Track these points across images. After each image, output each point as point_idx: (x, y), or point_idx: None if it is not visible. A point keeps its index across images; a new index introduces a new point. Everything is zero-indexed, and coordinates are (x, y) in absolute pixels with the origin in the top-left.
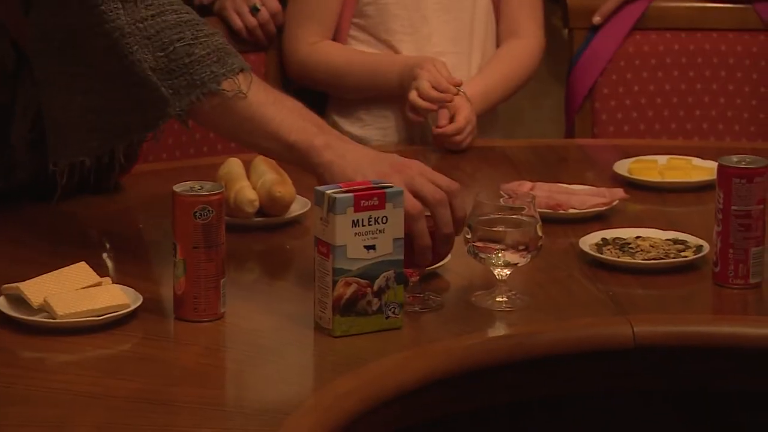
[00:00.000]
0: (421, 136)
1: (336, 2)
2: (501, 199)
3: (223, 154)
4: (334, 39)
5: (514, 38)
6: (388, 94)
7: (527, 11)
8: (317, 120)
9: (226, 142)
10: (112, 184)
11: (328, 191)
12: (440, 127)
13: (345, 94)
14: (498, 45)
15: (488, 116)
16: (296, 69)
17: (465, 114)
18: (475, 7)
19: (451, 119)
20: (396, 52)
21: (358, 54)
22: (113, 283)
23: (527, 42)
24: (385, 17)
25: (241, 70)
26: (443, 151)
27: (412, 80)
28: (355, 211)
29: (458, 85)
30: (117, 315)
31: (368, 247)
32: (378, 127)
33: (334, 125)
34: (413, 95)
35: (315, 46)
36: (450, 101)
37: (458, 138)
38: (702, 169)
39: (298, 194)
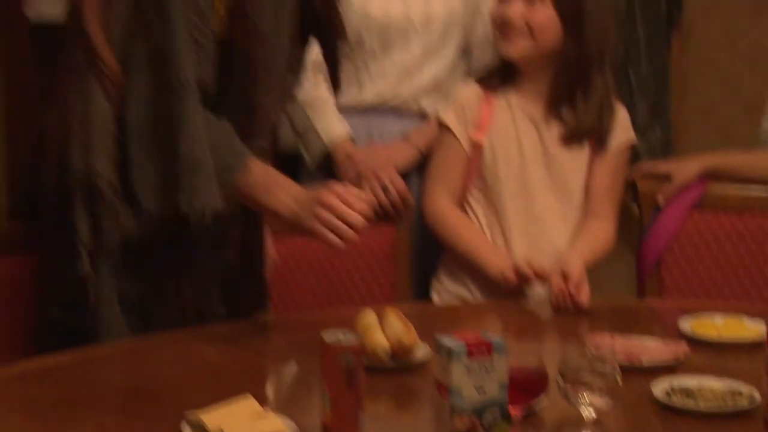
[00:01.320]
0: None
1: (461, 168)
2: (587, 351)
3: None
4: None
5: (595, 219)
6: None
7: (611, 195)
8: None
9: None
10: None
11: (446, 343)
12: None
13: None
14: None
15: None
16: (428, 220)
17: (586, 296)
18: (573, 181)
19: (568, 285)
20: (504, 211)
21: (469, 233)
22: (273, 412)
23: (607, 225)
24: (496, 186)
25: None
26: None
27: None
28: (469, 359)
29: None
30: None
31: (478, 389)
32: (481, 286)
33: (441, 281)
34: (518, 261)
35: (443, 209)
36: (544, 276)
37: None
38: (752, 330)
39: (421, 341)
